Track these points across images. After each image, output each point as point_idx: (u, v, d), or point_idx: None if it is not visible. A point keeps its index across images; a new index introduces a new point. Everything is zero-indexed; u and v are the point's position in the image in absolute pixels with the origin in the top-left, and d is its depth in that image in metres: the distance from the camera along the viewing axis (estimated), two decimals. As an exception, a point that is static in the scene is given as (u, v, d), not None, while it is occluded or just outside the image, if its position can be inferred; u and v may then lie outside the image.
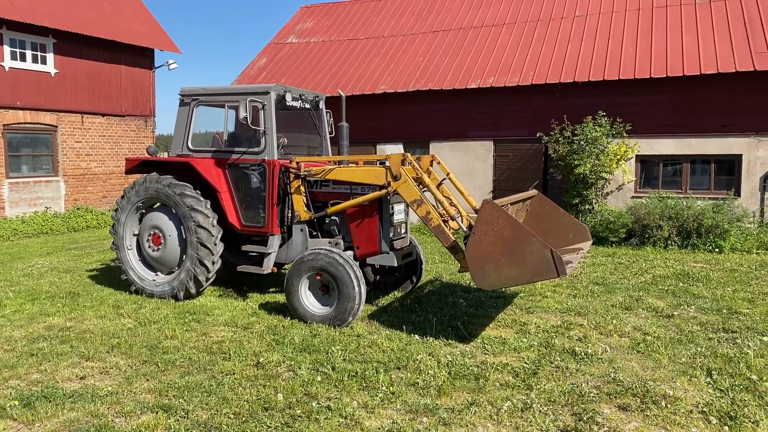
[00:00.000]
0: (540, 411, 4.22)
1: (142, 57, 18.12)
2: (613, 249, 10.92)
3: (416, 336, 5.88)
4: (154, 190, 7.26)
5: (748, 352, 5.35)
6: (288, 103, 7.17)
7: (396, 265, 6.74)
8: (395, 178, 6.23)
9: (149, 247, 7.42)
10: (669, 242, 10.78)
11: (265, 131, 6.87)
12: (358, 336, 5.87)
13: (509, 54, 14.55)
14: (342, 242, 6.78)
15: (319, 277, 6.25)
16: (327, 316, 6.15)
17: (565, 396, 4.47)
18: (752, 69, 11.30)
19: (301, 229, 7.00)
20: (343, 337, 5.82)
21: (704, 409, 4.23)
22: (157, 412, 4.26)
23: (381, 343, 5.61)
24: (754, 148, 11.67)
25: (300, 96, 7.46)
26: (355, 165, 7.06)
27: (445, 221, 6.18)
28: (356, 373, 4.90)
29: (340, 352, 5.37)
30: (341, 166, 6.91)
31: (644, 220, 10.96)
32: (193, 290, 7.11)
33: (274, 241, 7.04)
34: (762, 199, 11.62)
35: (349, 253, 6.56)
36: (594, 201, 12.10)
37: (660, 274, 8.72)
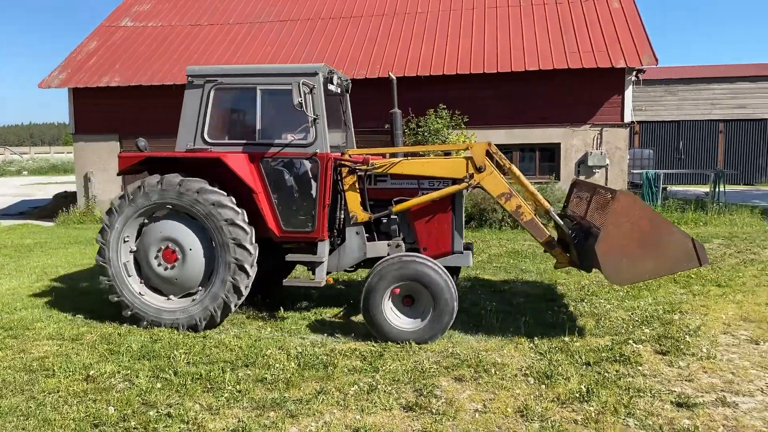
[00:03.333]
0: (384, 391, 4.40)
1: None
2: (456, 232, 11.74)
3: (266, 331, 5.80)
4: (176, 196, 5.76)
5: (563, 317, 6.08)
6: (329, 87, 6.17)
7: (471, 264, 6.16)
8: (479, 170, 5.71)
9: (159, 264, 5.87)
10: (503, 224, 11.88)
11: (316, 119, 5.80)
12: (204, 337, 5.63)
13: (357, 46, 14.83)
14: (403, 244, 6.01)
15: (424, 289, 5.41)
16: (418, 332, 5.40)
17: (408, 374, 4.71)
18: (566, 67, 12.77)
19: (357, 232, 6.04)
20: (187, 340, 5.54)
21: (526, 371, 4.73)
22: (-42, 447, 3.71)
23: (228, 342, 5.44)
24: (570, 137, 13.25)
25: (339, 79, 6.48)
26: (423, 157, 6.28)
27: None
28: (201, 375, 4.70)
29: (183, 356, 5.10)
30: (408, 159, 6.13)
31: (481, 204, 11.94)
32: (218, 319, 5.83)
33: (325, 247, 5.99)
34: (577, 183, 13.27)
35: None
36: (439, 188, 12.87)
37: (495, 252, 9.56)
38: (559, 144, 13.32)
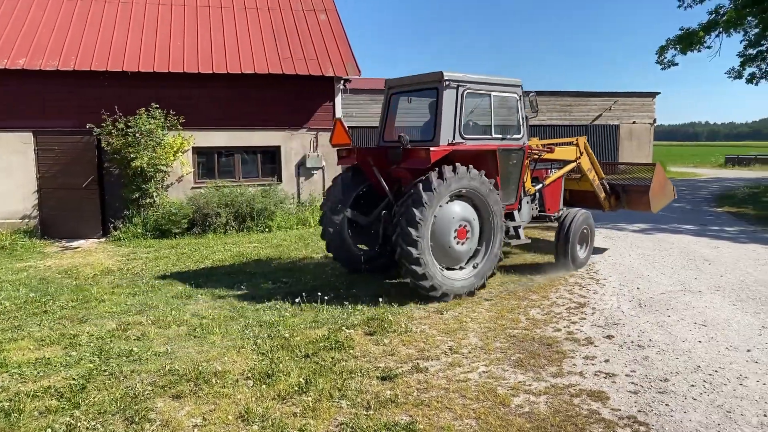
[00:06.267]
0: (87, 427, 3.87)
1: None
2: (176, 240, 11.06)
3: None
4: (478, 183, 7.00)
5: (285, 314, 6.27)
6: None
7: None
8: (581, 154, 8.82)
9: (455, 240, 6.95)
10: (227, 228, 11.67)
11: (525, 119, 7.73)
12: None
13: (45, 33, 12.71)
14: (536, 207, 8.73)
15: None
16: (585, 258, 8.59)
17: (118, 402, 4.24)
18: (281, 72, 13.20)
19: (527, 201, 8.34)
20: None
21: (248, 374, 4.72)
22: None
23: None
24: (289, 140, 13.75)
25: None
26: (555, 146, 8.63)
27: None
28: None
29: None
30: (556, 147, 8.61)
31: (204, 209, 11.52)
32: (485, 284, 7.31)
33: (517, 214, 8.02)
34: (298, 183, 13.87)
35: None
36: (155, 194, 11.95)
37: (219, 258, 9.33)
38: (279, 147, 13.69)
